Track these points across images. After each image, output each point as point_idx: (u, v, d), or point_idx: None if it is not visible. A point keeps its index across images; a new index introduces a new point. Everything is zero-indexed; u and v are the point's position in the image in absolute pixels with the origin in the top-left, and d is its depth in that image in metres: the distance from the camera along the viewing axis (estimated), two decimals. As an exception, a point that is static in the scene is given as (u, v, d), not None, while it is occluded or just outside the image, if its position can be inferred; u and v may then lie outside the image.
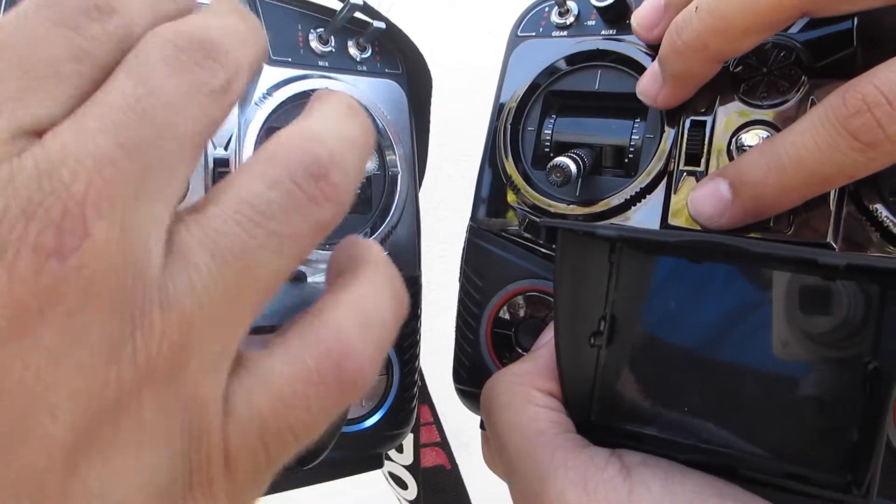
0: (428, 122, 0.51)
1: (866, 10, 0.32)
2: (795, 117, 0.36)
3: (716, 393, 0.37)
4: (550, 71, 0.43)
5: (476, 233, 0.45)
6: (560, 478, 0.32)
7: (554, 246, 0.34)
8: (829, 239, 0.35)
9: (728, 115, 0.37)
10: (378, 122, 0.45)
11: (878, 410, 0.31)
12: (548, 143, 0.43)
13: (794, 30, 0.37)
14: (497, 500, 0.45)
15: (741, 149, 0.36)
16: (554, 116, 0.43)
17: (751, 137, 0.36)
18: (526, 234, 0.43)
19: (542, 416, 0.35)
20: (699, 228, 0.37)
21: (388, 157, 0.46)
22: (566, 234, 0.33)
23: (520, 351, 0.43)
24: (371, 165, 0.42)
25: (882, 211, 0.34)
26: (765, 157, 0.33)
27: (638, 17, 0.39)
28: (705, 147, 0.37)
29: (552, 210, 0.41)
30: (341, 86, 0.44)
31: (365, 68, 0.46)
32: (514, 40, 0.46)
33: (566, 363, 0.36)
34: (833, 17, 0.35)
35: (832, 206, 0.35)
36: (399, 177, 0.46)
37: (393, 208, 0.46)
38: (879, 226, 0.34)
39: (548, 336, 0.39)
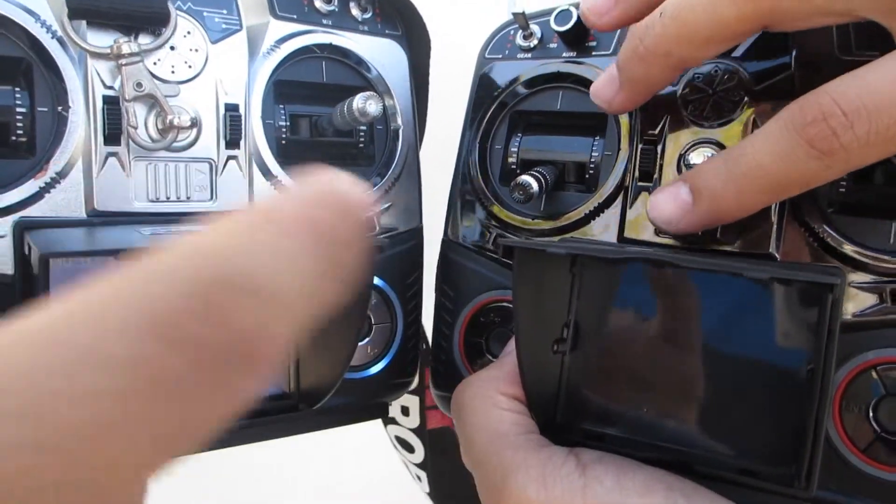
0: (427, 82, 0.52)
1: (820, 26, 0.34)
2: (739, 135, 0.38)
3: (674, 394, 0.40)
4: (515, 92, 0.46)
5: (449, 246, 0.48)
6: (521, 475, 0.35)
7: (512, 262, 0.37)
8: (772, 250, 0.37)
9: (676, 133, 0.40)
10: (383, 76, 0.48)
11: (814, 408, 0.33)
12: (514, 161, 0.45)
13: (736, 53, 0.39)
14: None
15: (688, 166, 0.39)
16: (520, 135, 0.46)
17: (697, 155, 0.39)
18: (494, 248, 0.45)
19: (505, 419, 0.38)
20: (653, 241, 0.40)
21: (389, 113, 0.48)
22: (521, 252, 0.36)
23: (490, 357, 0.46)
24: (376, 110, 0.43)
25: (820, 223, 0.36)
26: (726, 163, 0.34)
27: (588, 3, 0.38)
28: (657, 164, 0.40)
29: (519, 225, 0.44)
30: (345, 42, 0.46)
31: (366, 28, 0.48)
32: (483, 61, 0.48)
33: (528, 371, 0.39)
34: (774, 42, 0.38)
35: (774, 220, 0.37)
36: (400, 132, 0.48)
37: (395, 161, 0.48)
38: (817, 237, 0.37)
39: (514, 344, 0.41)
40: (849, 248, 0.36)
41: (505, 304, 0.45)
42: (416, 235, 0.50)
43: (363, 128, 0.47)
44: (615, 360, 0.41)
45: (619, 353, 0.41)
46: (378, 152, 0.48)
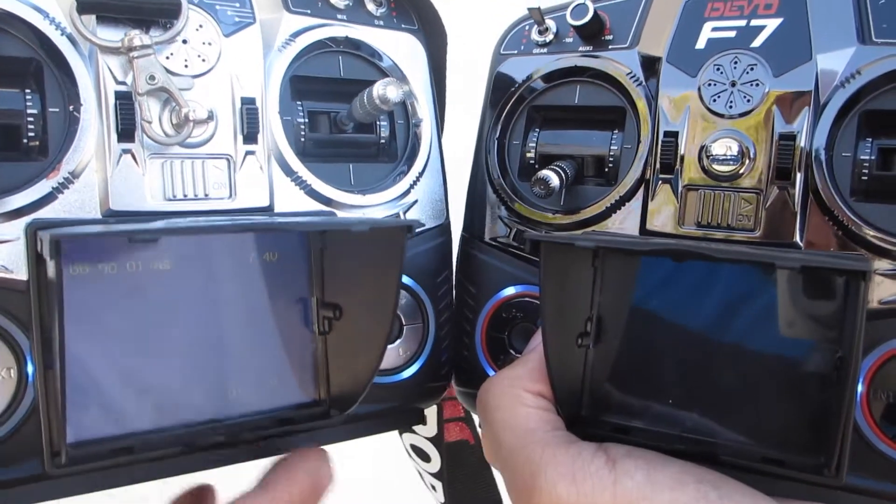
0: (444, 76, 0.52)
1: None
2: (761, 126, 0.38)
3: (699, 385, 0.40)
4: (532, 87, 0.46)
5: (468, 243, 0.48)
6: (551, 472, 0.35)
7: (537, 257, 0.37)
8: (796, 239, 0.38)
9: (698, 125, 0.40)
10: (401, 69, 0.46)
11: (843, 396, 0.33)
12: (532, 156, 0.45)
13: (756, 44, 0.39)
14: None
15: (710, 157, 0.39)
16: (537, 130, 0.46)
17: (719, 146, 0.39)
18: (515, 243, 0.45)
19: (532, 416, 0.38)
20: (676, 233, 0.40)
21: (409, 107, 0.47)
22: (548, 246, 0.36)
23: (513, 353, 0.46)
24: (397, 95, 0.42)
25: (844, 211, 0.36)
26: None
27: None
28: (679, 156, 0.40)
29: (539, 220, 0.44)
30: (361, 34, 0.45)
31: (381, 23, 0.47)
32: (498, 58, 0.48)
33: (555, 364, 0.39)
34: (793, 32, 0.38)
35: (797, 209, 0.37)
36: (422, 125, 0.47)
37: (418, 155, 0.47)
38: (841, 225, 0.37)
39: (537, 339, 0.41)
40: (873, 235, 0.36)
41: (527, 299, 0.45)
42: (444, 232, 0.48)
43: (384, 123, 0.46)
44: (638, 354, 0.41)
45: (641, 346, 0.41)
46: (400, 148, 0.47)
